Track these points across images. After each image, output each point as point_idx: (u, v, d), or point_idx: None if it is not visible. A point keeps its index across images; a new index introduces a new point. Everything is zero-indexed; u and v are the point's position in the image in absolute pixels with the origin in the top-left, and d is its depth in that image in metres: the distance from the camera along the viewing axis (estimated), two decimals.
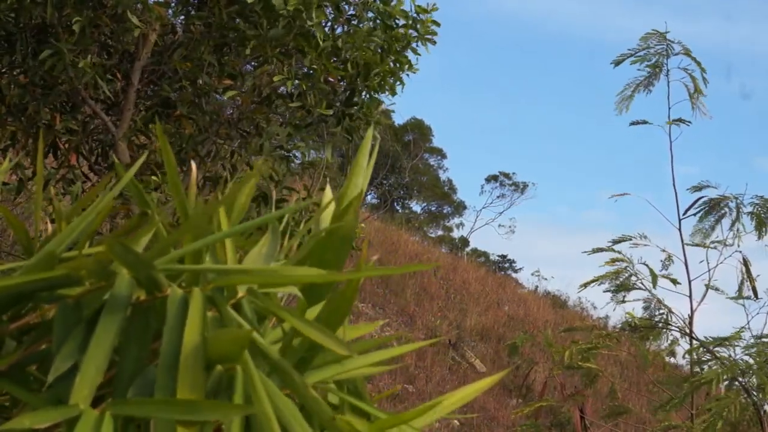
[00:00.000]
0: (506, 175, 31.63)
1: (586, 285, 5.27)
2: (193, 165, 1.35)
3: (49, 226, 1.12)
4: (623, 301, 5.16)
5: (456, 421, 11.64)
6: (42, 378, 0.93)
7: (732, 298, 5.02)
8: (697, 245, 5.09)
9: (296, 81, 5.16)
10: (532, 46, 58.05)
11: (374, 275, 1.04)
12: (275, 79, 5.12)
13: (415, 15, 5.51)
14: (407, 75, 5.61)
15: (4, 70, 5.23)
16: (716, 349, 4.89)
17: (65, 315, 0.90)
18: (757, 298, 4.99)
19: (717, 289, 5.06)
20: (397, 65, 5.49)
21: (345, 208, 1.06)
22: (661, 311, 5.15)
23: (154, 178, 4.77)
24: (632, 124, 5.38)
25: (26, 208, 5.50)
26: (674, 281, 5.11)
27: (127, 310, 0.90)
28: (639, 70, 5.30)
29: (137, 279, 0.91)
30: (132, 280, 0.91)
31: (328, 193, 1.26)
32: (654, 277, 5.05)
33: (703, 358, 4.98)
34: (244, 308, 0.98)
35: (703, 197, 5.08)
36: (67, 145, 5.33)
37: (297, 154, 5.78)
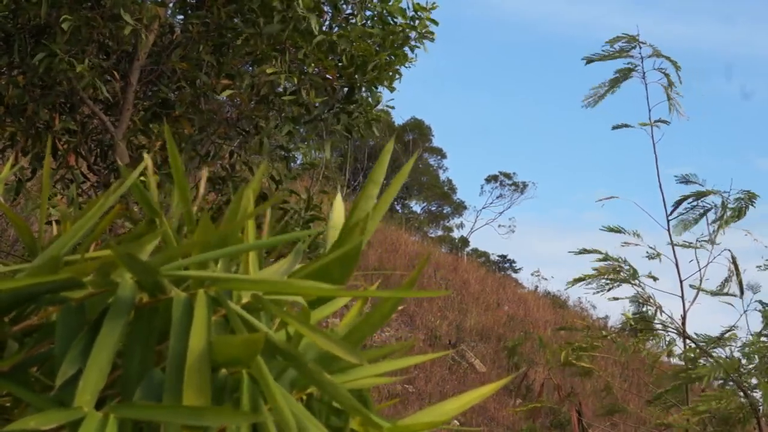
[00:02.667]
0: (506, 175, 31.64)
1: (574, 282, 5.31)
2: (204, 172, 1.33)
3: (54, 227, 1.12)
4: (610, 293, 5.18)
5: (455, 422, 11.64)
6: (43, 380, 0.93)
7: (716, 294, 5.04)
8: (684, 246, 5.10)
9: (288, 74, 5.15)
10: (532, 46, 58.10)
11: (383, 296, 1.03)
12: (268, 72, 5.11)
13: (413, 13, 5.51)
14: (407, 67, 5.62)
15: (2, 71, 5.22)
16: (711, 349, 4.91)
17: (68, 318, 0.90)
18: (742, 295, 5.01)
19: (703, 290, 5.09)
20: (393, 58, 5.49)
21: (353, 227, 1.05)
22: (649, 306, 5.16)
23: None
24: (614, 128, 5.45)
25: (25, 208, 5.49)
26: (654, 278, 5.14)
27: (131, 313, 0.90)
28: (616, 72, 5.36)
29: (140, 283, 0.91)
30: (135, 284, 0.90)
31: (339, 201, 1.23)
32: (634, 273, 5.08)
33: (694, 356, 4.99)
34: (259, 312, 0.98)
35: (688, 196, 5.12)
36: (66, 146, 5.32)
37: (297, 155, 5.78)
